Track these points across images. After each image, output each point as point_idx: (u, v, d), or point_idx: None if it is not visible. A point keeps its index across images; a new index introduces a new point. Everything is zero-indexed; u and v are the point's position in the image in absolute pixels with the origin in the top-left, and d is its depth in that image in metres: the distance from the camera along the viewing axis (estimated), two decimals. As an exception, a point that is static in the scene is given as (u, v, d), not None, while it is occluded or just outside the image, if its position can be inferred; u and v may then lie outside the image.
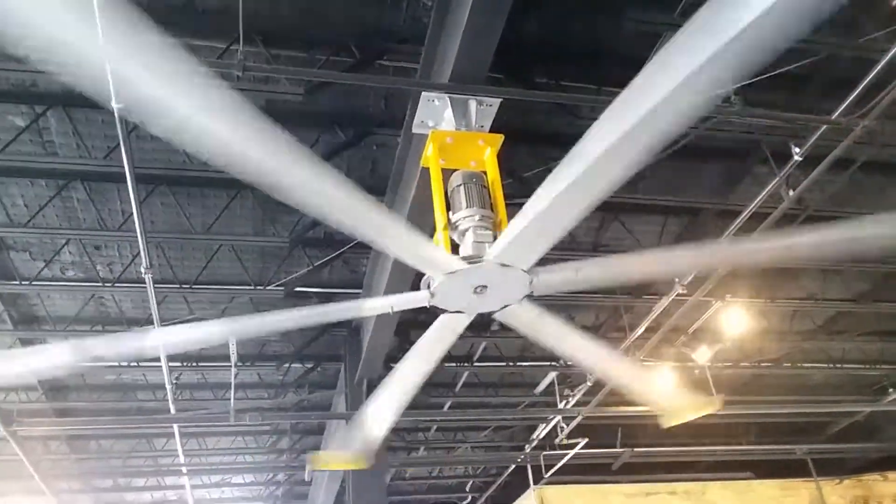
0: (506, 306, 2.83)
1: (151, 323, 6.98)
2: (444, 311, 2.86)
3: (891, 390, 10.39)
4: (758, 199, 5.82)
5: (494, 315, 2.90)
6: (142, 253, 5.77)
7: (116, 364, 8.75)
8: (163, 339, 3.77)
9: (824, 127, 5.07)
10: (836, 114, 4.99)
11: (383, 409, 3.46)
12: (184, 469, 10.99)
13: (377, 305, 3.18)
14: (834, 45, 5.26)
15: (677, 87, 1.61)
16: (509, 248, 2.51)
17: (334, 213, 2.24)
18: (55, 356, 2.91)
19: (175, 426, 9.09)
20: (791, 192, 5.54)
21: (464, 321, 2.94)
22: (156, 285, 6.24)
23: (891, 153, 6.23)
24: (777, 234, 2.66)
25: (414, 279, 5.79)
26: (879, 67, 4.81)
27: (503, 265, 2.60)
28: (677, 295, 6.97)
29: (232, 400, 7.96)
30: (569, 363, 9.70)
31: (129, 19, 1.57)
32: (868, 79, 4.85)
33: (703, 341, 8.77)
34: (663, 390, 3.65)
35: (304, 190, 2.10)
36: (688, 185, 6.81)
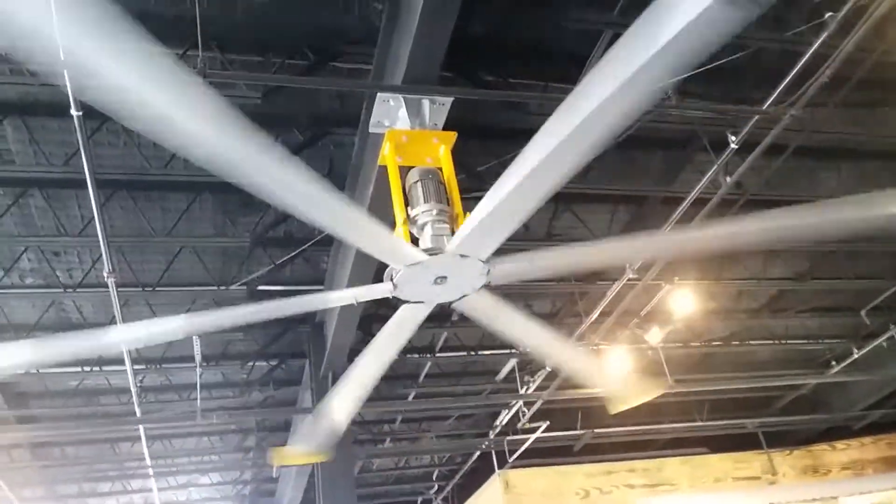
0: (464, 296, 2.96)
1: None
2: (404, 302, 2.99)
3: (833, 363, 10.87)
4: (699, 186, 6.12)
5: (453, 305, 3.03)
6: (104, 257, 5.82)
7: (79, 369, 8.75)
8: (124, 336, 3.75)
9: (756, 117, 5.38)
10: (767, 104, 5.30)
11: (345, 401, 3.54)
12: (150, 472, 10.98)
13: (342, 297, 3.31)
14: (764, 40, 5.57)
15: (620, 87, 1.77)
16: (468, 239, 2.64)
17: (300, 206, 2.31)
18: (15, 354, 2.96)
19: (141, 428, 9.11)
20: (729, 179, 5.86)
21: (424, 311, 3.06)
22: (118, 289, 6.29)
23: (820, 139, 6.60)
24: (720, 221, 2.83)
25: (374, 276, 5.97)
26: (805, 59, 5.12)
27: (462, 256, 2.73)
28: (628, 279, 7.27)
29: (198, 399, 8.03)
30: (527, 350, 9.99)
31: (95, 14, 1.61)
32: (795, 70, 5.16)
33: (655, 323, 9.12)
34: (611, 376, 3.84)
35: (269, 182, 2.17)
36: (634, 174, 7.12)
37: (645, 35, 1.66)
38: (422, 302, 3.00)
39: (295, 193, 2.26)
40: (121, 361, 7.59)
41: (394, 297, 2.95)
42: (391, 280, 2.85)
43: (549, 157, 2.07)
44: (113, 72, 1.71)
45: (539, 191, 2.28)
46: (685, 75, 5.14)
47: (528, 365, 10.11)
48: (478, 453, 12.44)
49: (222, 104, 1.88)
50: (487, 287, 2.94)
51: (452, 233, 2.95)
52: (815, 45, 5.02)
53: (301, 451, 3.95)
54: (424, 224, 3.04)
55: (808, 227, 2.77)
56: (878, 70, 5.88)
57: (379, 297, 2.97)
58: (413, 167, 3.34)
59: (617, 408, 3.70)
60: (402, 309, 3.05)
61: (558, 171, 2.17)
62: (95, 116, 5.53)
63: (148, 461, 10.33)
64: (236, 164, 2.07)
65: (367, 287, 3.00)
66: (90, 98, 1.85)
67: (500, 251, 2.77)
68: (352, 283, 6.50)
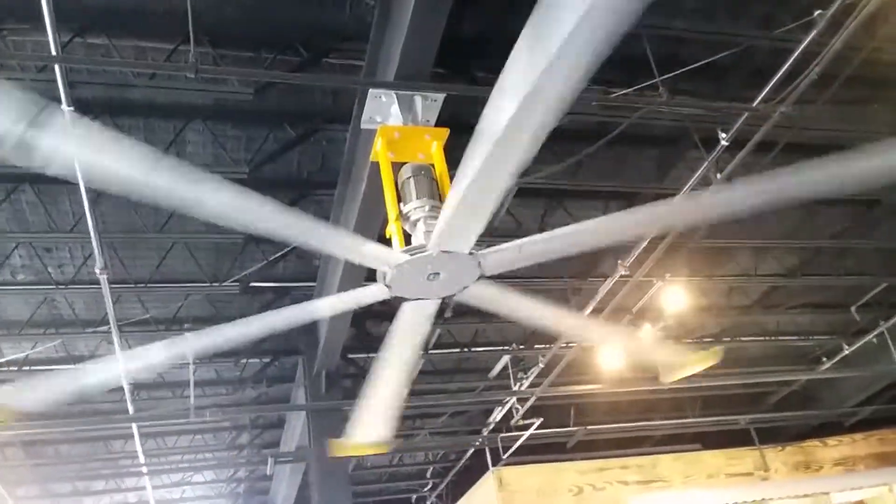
0: (465, 288, 2.96)
1: (106, 323, 7.02)
2: (405, 300, 2.99)
3: (824, 359, 10.93)
4: (690, 183, 6.15)
5: (456, 297, 3.02)
6: (95, 253, 5.82)
7: (72, 366, 8.73)
8: (127, 365, 3.80)
9: (746, 114, 5.42)
10: (757, 101, 5.34)
11: (386, 400, 3.54)
12: (144, 469, 10.97)
13: (341, 304, 3.30)
14: (753, 37, 5.62)
15: (525, 99, 1.78)
16: (444, 234, 2.64)
17: (283, 234, 2.53)
18: (24, 396, 3.07)
19: (134, 426, 9.10)
20: (719, 175, 5.89)
21: (430, 306, 3.05)
22: (110, 285, 6.28)
23: (810, 136, 6.63)
24: (714, 189, 2.77)
25: (367, 271, 5.98)
26: (795, 57, 5.15)
27: (445, 252, 2.73)
28: (620, 276, 7.30)
29: (192, 397, 8.03)
30: (521, 346, 10.02)
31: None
32: (784, 68, 5.19)
33: (647, 320, 9.16)
34: (658, 347, 3.80)
35: (253, 220, 2.46)
36: (625, 171, 7.16)
37: (540, 37, 1.66)
38: (423, 298, 3.00)
39: (275, 227, 2.51)
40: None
41: (393, 297, 2.96)
42: (383, 282, 2.86)
43: (493, 151, 2.07)
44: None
45: (501, 174, 2.26)
46: (676, 72, 5.20)
47: (521, 361, 10.14)
48: (471, 450, 12.46)
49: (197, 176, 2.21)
50: (487, 277, 2.93)
51: (442, 229, 2.96)
52: (805, 43, 5.06)
53: (362, 444, 3.92)
54: (417, 220, 3.06)
55: (811, 184, 2.64)
56: (868, 67, 5.93)
57: (377, 300, 2.98)
58: (405, 163, 3.35)
59: (673, 377, 3.64)
60: (406, 307, 3.05)
61: (514, 151, 2.14)
62: (87, 112, 5.54)
63: (141, 459, 10.32)
64: (225, 213, 2.37)
65: (363, 290, 3.01)
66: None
67: (493, 245, 2.78)
68: (344, 279, 6.51)
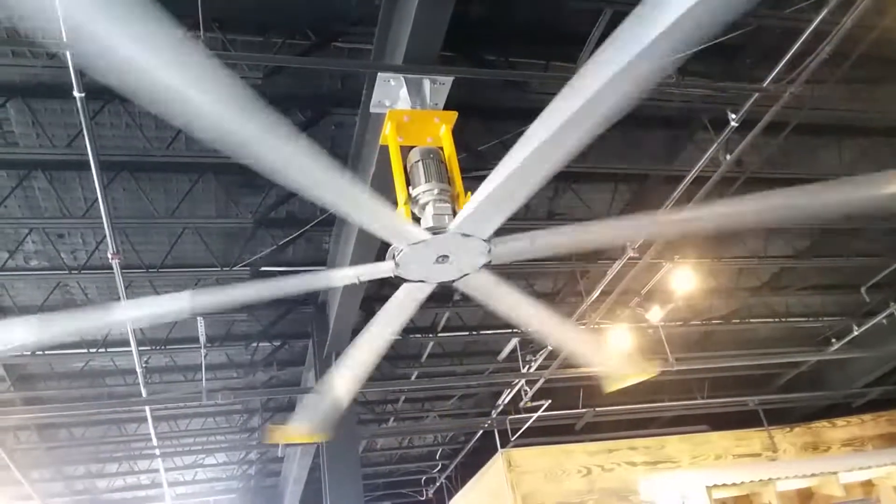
0: (465, 275, 2.99)
1: (119, 308, 7.08)
2: (406, 281, 3.00)
3: (834, 341, 10.92)
4: (699, 164, 6.14)
5: (454, 284, 3.05)
6: (108, 239, 5.87)
7: (85, 350, 8.84)
8: (128, 313, 3.78)
9: (756, 94, 5.39)
10: (767, 82, 5.31)
11: (345, 379, 3.57)
12: (157, 452, 11.10)
13: (345, 276, 3.34)
14: (764, 17, 5.57)
15: (622, 69, 1.81)
16: (471, 218, 2.66)
17: (304, 184, 2.33)
18: (21, 331, 2.99)
19: (147, 409, 9.20)
20: (729, 156, 5.87)
21: (426, 290, 3.08)
22: (122, 270, 6.33)
23: (820, 116, 6.61)
24: (720, 201, 2.84)
25: (375, 256, 6.01)
26: (805, 36, 5.12)
27: (465, 235, 2.75)
28: (629, 258, 7.31)
29: (203, 380, 8.11)
30: (527, 330, 10.04)
31: None
32: (795, 47, 5.16)
33: (656, 302, 9.17)
34: (608, 356, 3.83)
35: (274, 160, 2.21)
36: (635, 153, 7.13)
37: (648, 16, 1.71)
38: (423, 281, 3.02)
39: (300, 171, 2.29)
40: (126, 343, 7.66)
41: (395, 276, 2.98)
42: (394, 259, 2.88)
43: (552, 138, 2.10)
44: (123, 49, 1.75)
45: (542, 170, 2.31)
46: (689, 53, 5.17)
47: (530, 344, 10.18)
48: (480, 432, 12.55)
49: (230, 81, 1.92)
50: (487, 266, 2.96)
51: (454, 212, 2.96)
52: (815, 22, 5.03)
53: (299, 429, 3.95)
54: (426, 203, 3.05)
55: (809, 206, 2.78)
56: (879, 46, 5.88)
57: (381, 276, 3.00)
58: (414, 147, 3.35)
59: (613, 387, 3.70)
60: (404, 288, 3.07)
61: (561, 150, 2.19)
62: (98, 98, 5.57)
63: (154, 441, 10.44)
64: (242, 141, 2.10)
65: (369, 266, 3.03)
66: (98, 73, 1.88)
67: (501, 230, 2.80)
68: (354, 263, 6.54)
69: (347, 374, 3.55)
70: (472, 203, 2.63)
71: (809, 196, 2.68)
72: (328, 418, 3.74)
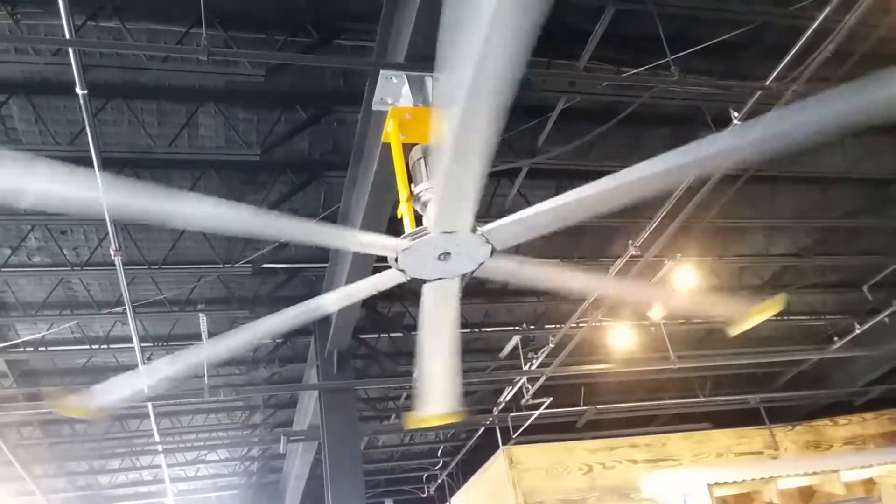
0: (481, 264, 2.95)
1: (121, 305, 7.10)
2: (426, 281, 3.00)
3: (836, 339, 10.91)
4: (702, 162, 6.12)
5: (475, 273, 3.03)
6: (110, 236, 5.89)
7: (87, 347, 8.86)
8: (152, 377, 3.85)
9: (759, 92, 5.38)
10: (770, 80, 5.30)
11: (443, 376, 3.57)
12: (159, 448, 11.13)
13: (361, 290, 3.32)
14: (767, 15, 5.56)
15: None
16: (438, 217, 2.64)
17: (292, 239, 2.66)
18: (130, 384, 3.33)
19: (149, 405, 9.23)
20: (731, 155, 5.85)
21: (452, 284, 3.05)
22: (124, 267, 6.35)
23: (823, 114, 6.59)
24: (716, 136, 2.68)
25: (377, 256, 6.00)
26: (808, 34, 5.11)
27: (446, 232, 2.72)
28: (631, 256, 7.30)
29: (205, 377, 8.13)
30: (531, 326, 10.06)
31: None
32: (798, 45, 5.15)
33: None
34: (714, 299, 3.75)
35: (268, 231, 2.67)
36: (637, 151, 7.12)
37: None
38: (442, 277, 3.00)
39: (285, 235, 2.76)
40: (128, 339, 7.67)
41: (411, 279, 2.98)
42: (396, 267, 2.90)
43: (459, 129, 2.12)
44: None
45: (469, 161, 2.27)
46: (689, 51, 5.16)
47: (532, 341, 10.19)
48: (482, 429, 12.56)
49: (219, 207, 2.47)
50: (501, 252, 2.92)
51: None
52: (819, 20, 5.02)
53: (436, 415, 3.92)
54: (428, 201, 3.06)
55: (811, 123, 2.53)
56: (883, 44, 5.87)
57: (396, 283, 3.01)
58: (416, 144, 3.35)
59: (738, 329, 3.45)
60: (427, 287, 3.05)
61: (473, 141, 2.18)
62: (100, 95, 5.58)
63: (156, 438, 10.49)
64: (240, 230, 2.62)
65: (381, 276, 3.03)
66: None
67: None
68: (356, 258, 6.55)
69: (441, 373, 3.56)
70: (432, 203, 2.66)
71: (811, 110, 2.36)
72: (453, 404, 3.79)
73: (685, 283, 8.53)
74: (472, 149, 2.24)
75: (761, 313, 3.39)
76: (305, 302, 3.14)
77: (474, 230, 2.76)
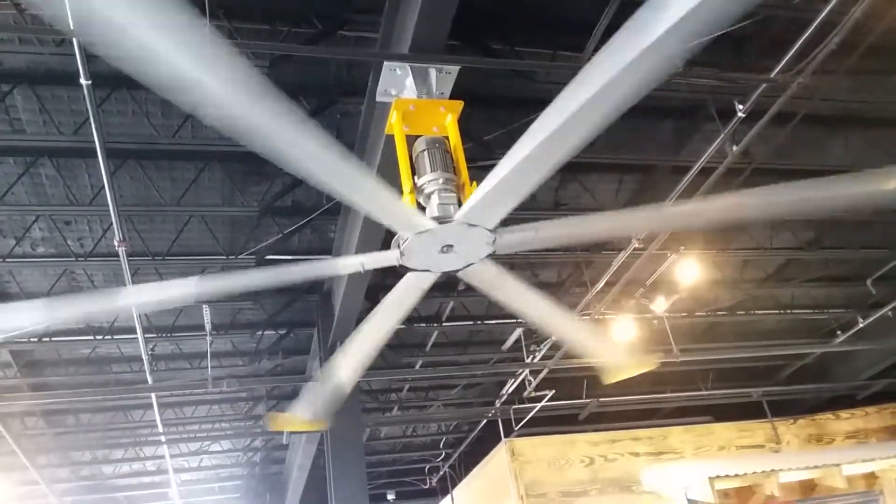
0: (469, 265, 2.98)
1: (125, 295, 7.10)
2: (410, 270, 3.00)
3: (839, 333, 10.92)
4: (706, 155, 6.12)
5: (458, 274, 3.04)
6: (115, 226, 5.89)
7: (91, 337, 8.89)
8: (134, 298, 3.73)
9: (764, 85, 5.37)
10: (775, 72, 5.29)
11: (347, 368, 3.55)
12: (162, 439, 11.18)
13: (350, 264, 3.34)
14: (772, 7, 5.53)
15: (633, 60, 1.81)
16: (477, 207, 2.65)
17: (313, 170, 2.29)
18: (28, 315, 2.94)
19: (153, 396, 9.26)
20: (736, 147, 5.85)
21: (429, 280, 3.07)
22: (128, 258, 6.36)
23: (828, 107, 6.57)
24: (725, 194, 2.82)
25: (381, 246, 6.02)
26: (814, 27, 5.09)
27: (470, 225, 2.74)
28: (634, 249, 7.31)
29: (209, 368, 8.15)
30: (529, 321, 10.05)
31: None
32: (803, 38, 5.13)
33: (661, 292, 9.17)
34: (608, 347, 3.81)
35: (284, 144, 2.16)
36: (641, 143, 7.12)
37: (659, 7, 1.71)
38: (427, 270, 3.02)
39: (307, 158, 2.24)
40: (132, 330, 7.70)
41: (400, 266, 2.98)
42: (398, 248, 2.88)
43: (560, 128, 2.10)
44: (134, 33, 1.74)
45: (549, 161, 2.30)
46: (700, 43, 5.14)
47: (534, 334, 10.19)
48: (484, 421, 12.59)
49: (242, 66, 1.91)
50: (492, 256, 2.95)
51: (459, 202, 2.95)
52: (824, 13, 5.00)
53: (302, 417, 3.95)
54: (431, 193, 3.04)
55: (814, 200, 2.75)
56: (888, 37, 5.85)
57: (385, 264, 2.99)
58: (420, 136, 3.34)
59: (612, 378, 3.70)
60: (408, 277, 3.07)
61: (569, 141, 2.20)
62: (104, 85, 5.58)
63: (160, 428, 10.52)
64: (251, 126, 2.09)
65: (373, 254, 3.03)
66: (109, 58, 1.88)
67: (506, 220, 2.79)
68: (359, 252, 6.56)
69: (350, 362, 3.54)
70: (478, 193, 2.62)
71: (814, 189, 2.67)
72: (330, 406, 3.73)
73: (688, 276, 8.53)
74: (557, 153, 2.26)
75: (636, 368, 3.65)
76: (303, 263, 3.16)
77: (494, 230, 2.78)
